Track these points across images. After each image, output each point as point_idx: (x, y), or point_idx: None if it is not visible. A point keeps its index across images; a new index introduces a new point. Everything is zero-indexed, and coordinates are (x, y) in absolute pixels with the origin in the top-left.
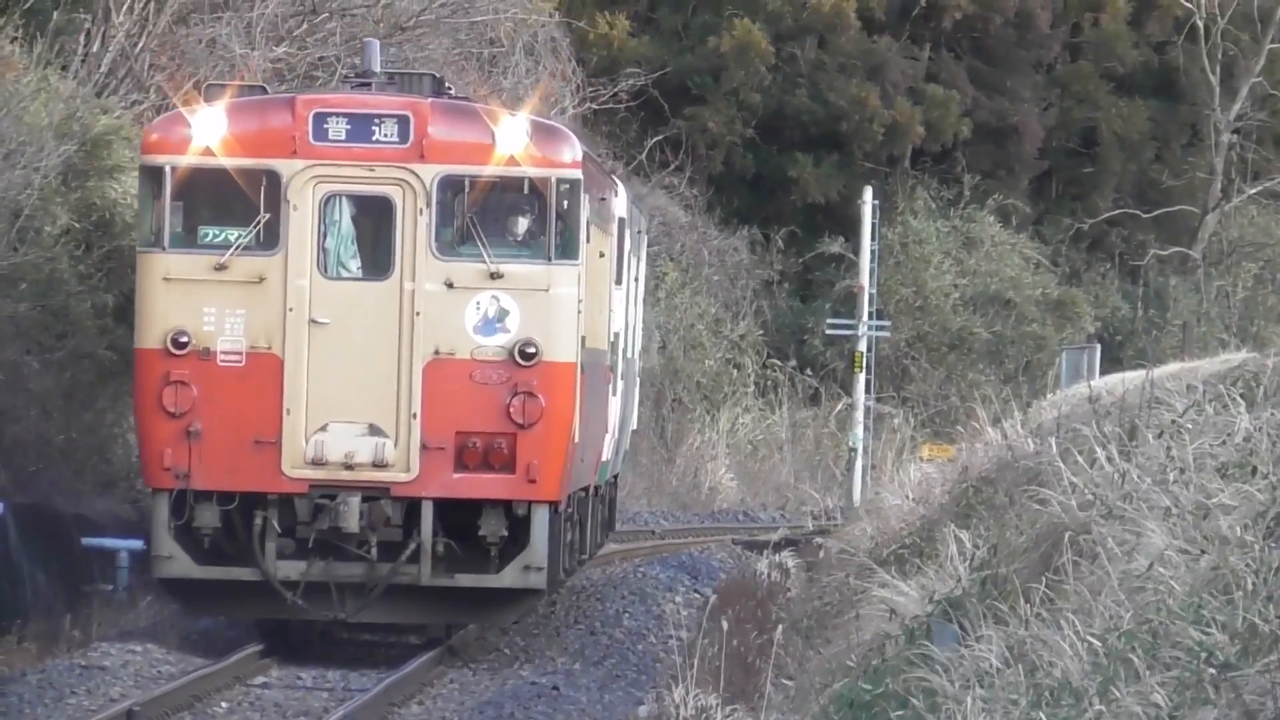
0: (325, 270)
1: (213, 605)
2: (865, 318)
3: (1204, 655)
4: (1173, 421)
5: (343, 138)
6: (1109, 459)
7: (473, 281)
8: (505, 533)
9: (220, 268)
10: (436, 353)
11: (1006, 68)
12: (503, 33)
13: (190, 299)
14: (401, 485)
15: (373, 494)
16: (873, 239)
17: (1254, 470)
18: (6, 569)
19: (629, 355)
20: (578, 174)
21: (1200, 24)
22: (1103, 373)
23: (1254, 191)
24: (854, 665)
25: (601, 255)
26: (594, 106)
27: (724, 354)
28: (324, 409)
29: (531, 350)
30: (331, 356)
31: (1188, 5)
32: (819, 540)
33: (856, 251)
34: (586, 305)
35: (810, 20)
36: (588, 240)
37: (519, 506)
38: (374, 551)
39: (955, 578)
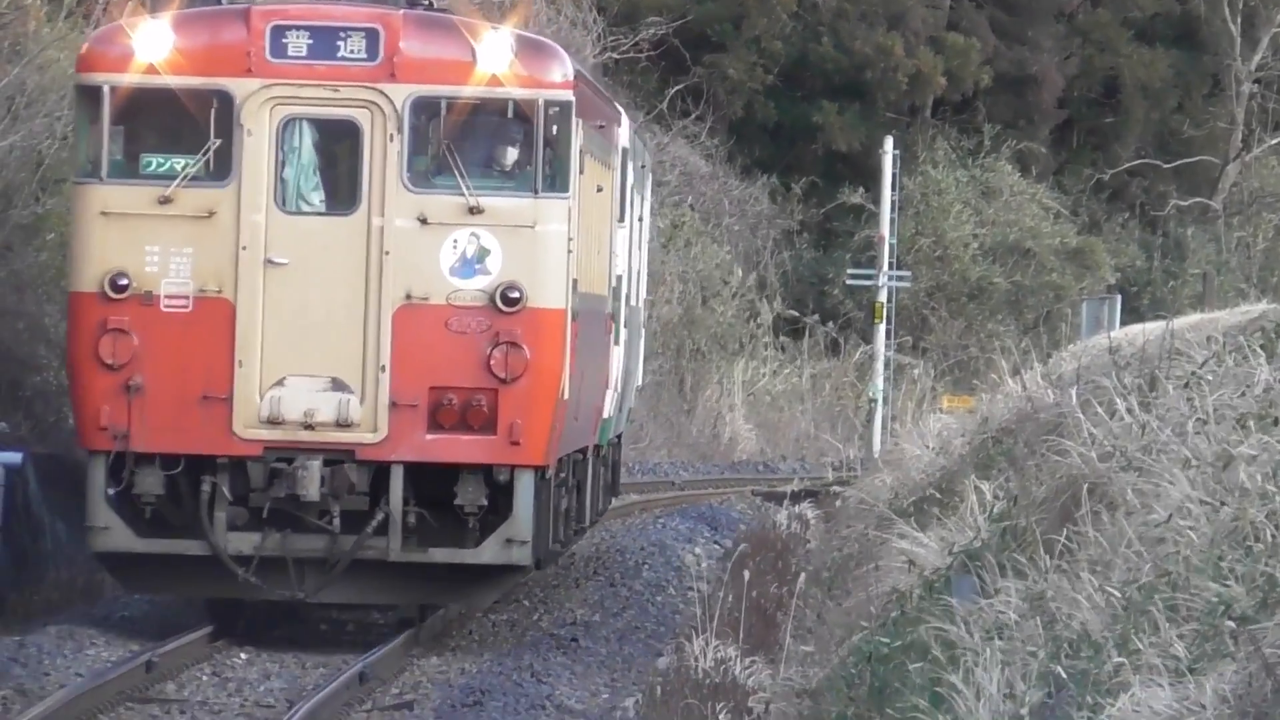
0: (283, 204)
1: (156, 582)
2: (885, 268)
3: (1223, 608)
4: (1193, 373)
5: (303, 54)
6: (1129, 410)
7: (449, 217)
8: (485, 502)
9: (165, 201)
10: (408, 297)
11: (1027, 16)
12: None
13: (131, 236)
14: (368, 448)
15: (336, 457)
16: (893, 189)
17: (1275, 421)
18: (26, 520)
19: (633, 302)
20: (569, 95)
21: None
22: (1122, 324)
23: (1275, 142)
24: (873, 617)
25: (600, 190)
26: (614, 56)
27: (740, 304)
28: (281, 361)
29: (515, 295)
30: (290, 301)
31: None
32: (838, 491)
33: (877, 202)
34: (580, 245)
35: None
36: (581, 172)
37: (500, 472)
38: (337, 523)
39: (974, 529)
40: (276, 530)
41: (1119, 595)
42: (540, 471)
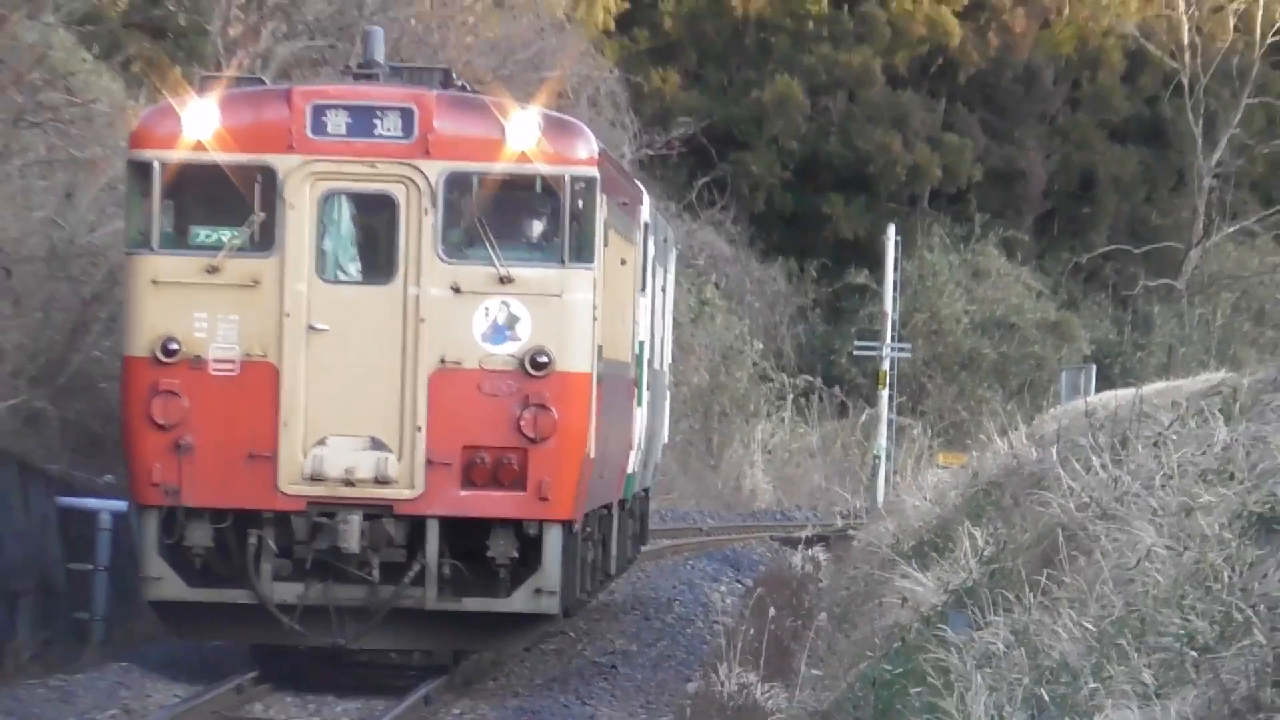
0: (324, 273)
1: (205, 629)
2: (888, 340)
3: (1186, 640)
4: (1159, 433)
5: (343, 132)
6: (1103, 466)
7: (481, 286)
8: (515, 554)
9: (212, 270)
10: (442, 362)
11: (1014, 118)
12: (569, 87)
13: (181, 303)
14: (405, 503)
15: (375, 512)
16: (895, 271)
17: (1231, 476)
18: (129, 560)
19: (656, 366)
20: (594, 171)
21: (1185, 81)
22: (1097, 390)
23: (1231, 230)
24: (877, 647)
25: (623, 262)
26: (649, 152)
27: (759, 372)
28: (323, 421)
29: (544, 359)
30: (331, 365)
31: (1174, 65)
32: (846, 536)
33: (880, 282)
34: (605, 313)
35: (841, 75)
36: (606, 244)
37: (530, 526)
38: (376, 573)
39: (967, 570)
40: (319, 580)
41: (1094, 629)
42: (567, 526)
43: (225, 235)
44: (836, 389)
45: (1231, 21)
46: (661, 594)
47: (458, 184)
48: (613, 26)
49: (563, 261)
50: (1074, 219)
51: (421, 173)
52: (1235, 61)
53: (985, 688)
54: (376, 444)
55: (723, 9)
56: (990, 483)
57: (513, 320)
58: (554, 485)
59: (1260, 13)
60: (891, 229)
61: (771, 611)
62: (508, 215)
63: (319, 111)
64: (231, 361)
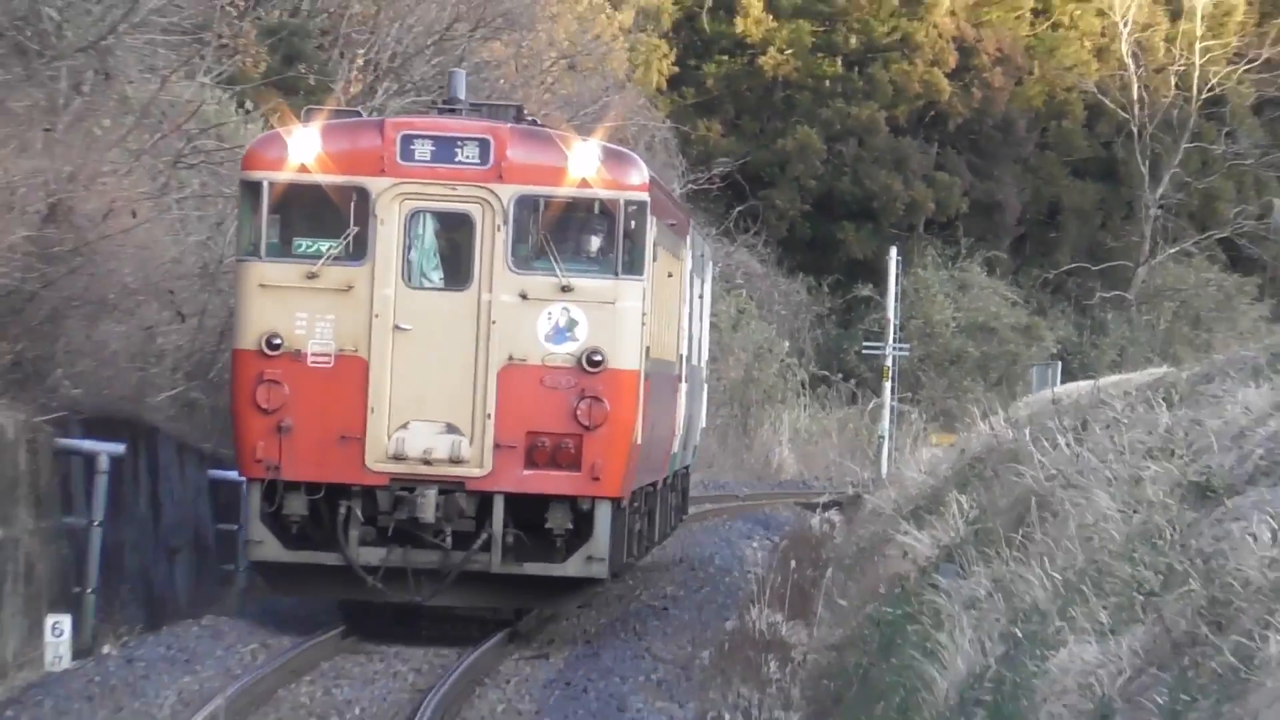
0: (409, 280)
1: (299, 586)
2: (890, 341)
3: (1135, 586)
4: (1113, 418)
5: (428, 158)
6: (1067, 444)
7: (545, 294)
8: (570, 526)
9: (312, 276)
10: (510, 359)
11: (993, 159)
12: (629, 134)
13: (284, 304)
14: (475, 480)
15: (449, 487)
16: (895, 285)
17: (1172, 453)
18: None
19: (694, 363)
20: (645, 196)
21: (1135, 129)
22: (1062, 382)
23: (1172, 251)
24: (881, 593)
25: (670, 276)
26: (693, 187)
27: (785, 368)
28: (405, 408)
29: (598, 358)
30: (413, 360)
31: (1125, 116)
32: (857, 502)
33: (883, 294)
34: (653, 319)
35: (852, 125)
36: (654, 259)
37: (583, 502)
38: (449, 540)
39: (955, 530)
40: (399, 546)
41: (1059, 578)
42: (616, 502)
43: (324, 246)
44: (849, 382)
45: (1173, 81)
46: (704, 550)
47: (526, 205)
48: (665, 85)
49: (616, 274)
50: (1043, 241)
51: (495, 195)
52: (1175, 114)
53: (970, 626)
54: (451, 429)
55: (755, 71)
56: (974, 458)
57: (572, 324)
58: (605, 467)
59: (1196, 74)
60: (893, 250)
61: (794, 563)
62: (569, 233)
63: (408, 140)
64: (327, 355)
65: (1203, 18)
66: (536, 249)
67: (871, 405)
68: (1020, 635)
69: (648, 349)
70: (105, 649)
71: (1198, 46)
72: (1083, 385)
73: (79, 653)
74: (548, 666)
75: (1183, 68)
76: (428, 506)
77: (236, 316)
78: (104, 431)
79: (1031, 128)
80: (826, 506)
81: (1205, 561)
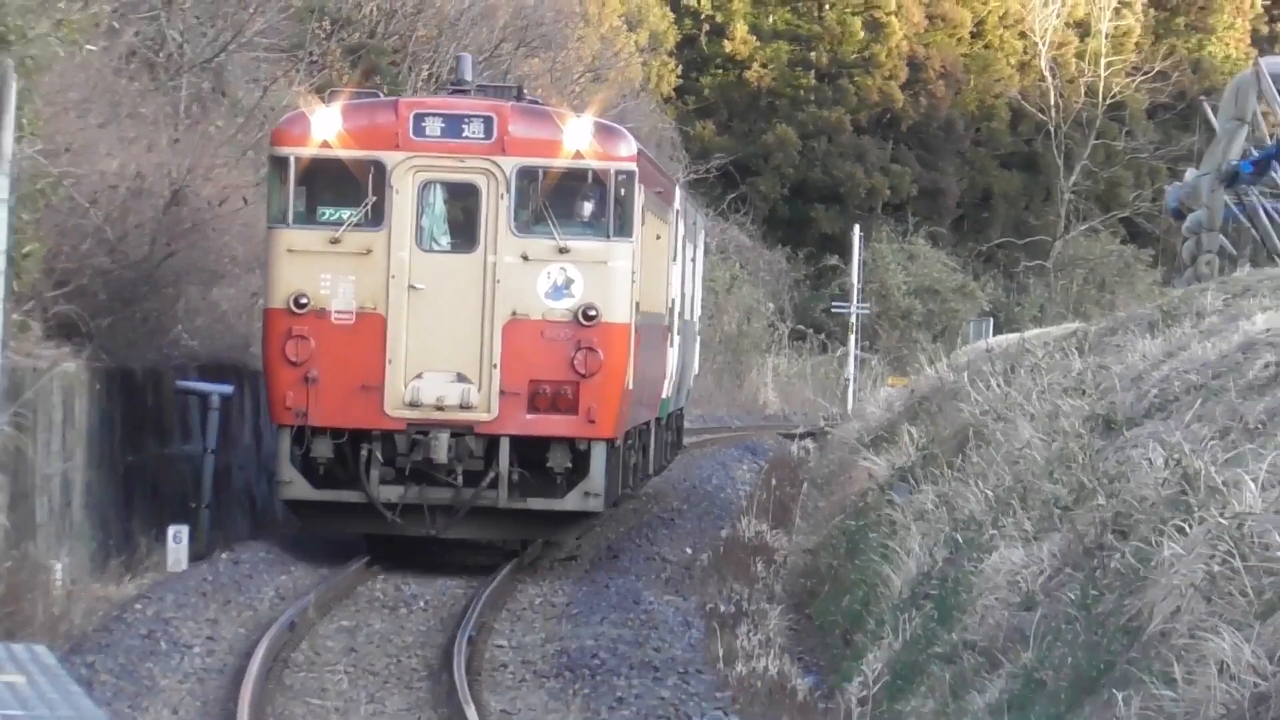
0: (421, 244)
1: (326, 522)
2: (854, 302)
3: (1053, 501)
4: (1035, 363)
5: (438, 134)
6: (998, 385)
7: (544, 255)
8: (569, 464)
9: (335, 241)
10: (513, 314)
11: (937, 154)
12: (643, 134)
13: (309, 267)
14: (484, 424)
15: (459, 431)
16: (858, 256)
17: (1083, 391)
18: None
19: (686, 317)
20: (633, 166)
21: (1051, 128)
22: (993, 335)
23: (1083, 228)
24: (847, 507)
25: (658, 238)
26: (694, 176)
27: (769, 323)
28: (419, 360)
29: (592, 313)
30: (426, 316)
31: (1043, 118)
32: (827, 433)
33: (847, 263)
34: (642, 277)
35: (823, 126)
36: (643, 223)
37: (581, 443)
38: (460, 479)
39: (907, 455)
40: (415, 484)
41: (992, 494)
42: (610, 443)
43: (345, 214)
44: (820, 335)
45: (1082, 89)
46: (704, 471)
47: (527, 175)
48: (672, 94)
49: (608, 236)
50: (977, 220)
51: (499, 166)
52: (1084, 116)
53: (919, 533)
54: (461, 378)
55: (743, 82)
56: (923, 397)
57: (569, 282)
58: (599, 411)
59: (1101, 84)
60: (856, 228)
61: (776, 482)
62: (566, 200)
63: (419, 118)
64: (349, 313)
65: (1106, 37)
66: (536, 214)
67: (839, 354)
68: (960, 541)
69: (638, 304)
70: (216, 553)
71: (1102, 61)
72: (1010, 337)
73: (195, 557)
74: (576, 567)
75: (1090, 79)
76: (441, 448)
77: (268, 278)
78: (216, 375)
79: (968, 128)
80: (803, 436)
81: (1110, 481)
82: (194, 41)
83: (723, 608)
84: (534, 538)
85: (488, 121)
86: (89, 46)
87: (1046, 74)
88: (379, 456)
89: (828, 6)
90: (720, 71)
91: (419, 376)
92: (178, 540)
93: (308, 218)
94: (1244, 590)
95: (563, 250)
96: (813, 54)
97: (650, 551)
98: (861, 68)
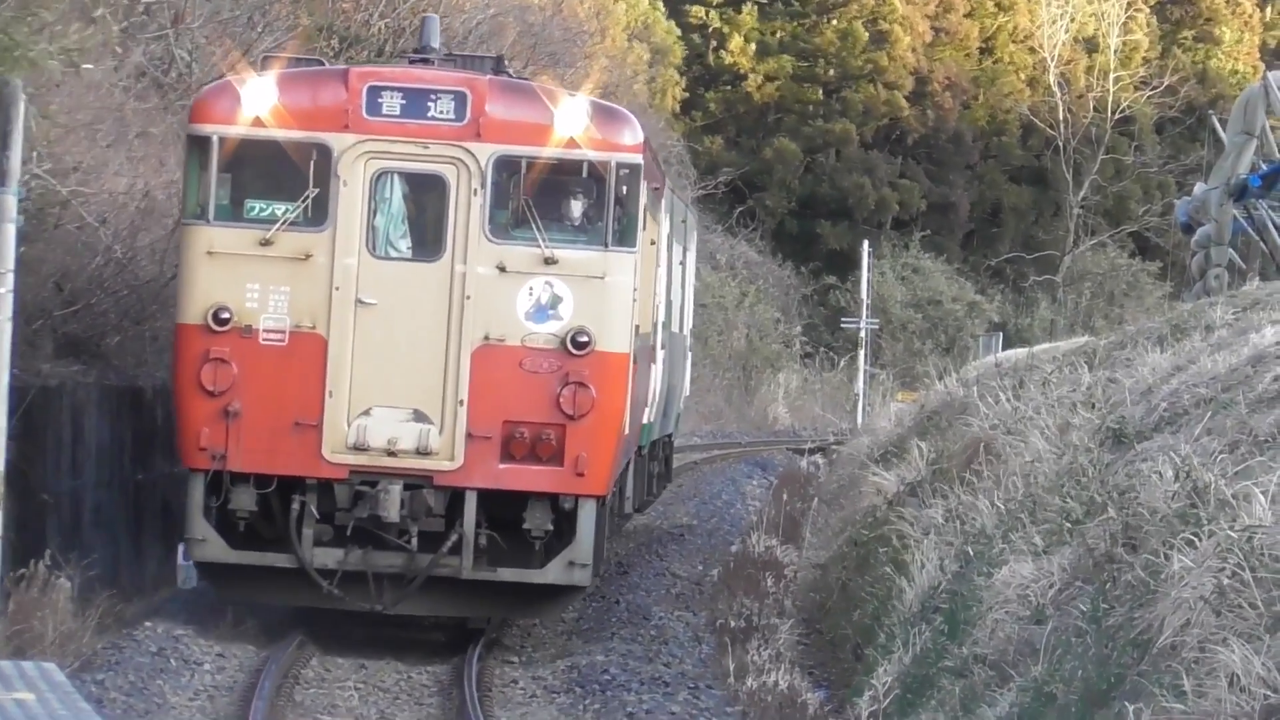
0: (374, 249)
1: (247, 590)
2: (863, 317)
3: (1064, 515)
4: (1044, 377)
5: (397, 113)
6: (1007, 399)
7: (526, 266)
8: (550, 526)
9: (266, 243)
10: (486, 338)
11: (946, 168)
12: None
13: (234, 274)
14: (445, 474)
15: (415, 482)
16: (868, 272)
17: (1092, 405)
18: None
19: (674, 329)
20: (639, 158)
21: (1060, 143)
22: (1003, 349)
23: (1092, 243)
24: (857, 521)
25: (652, 243)
26: (703, 191)
27: (780, 338)
28: (368, 392)
29: (584, 339)
30: (377, 338)
31: (1053, 132)
32: (837, 448)
33: (846, 280)
34: (639, 293)
35: (830, 140)
36: (644, 228)
37: (566, 500)
38: (414, 542)
39: (917, 469)
40: (359, 547)
41: (1002, 508)
42: (600, 500)
43: (279, 210)
44: (828, 350)
45: (1091, 104)
46: (714, 487)
47: (506, 166)
48: (679, 109)
49: (605, 245)
50: (986, 235)
51: (472, 155)
52: (1093, 131)
53: (930, 547)
54: (419, 416)
55: (749, 98)
56: (932, 411)
57: (555, 300)
58: (590, 461)
59: (1110, 99)
60: (865, 244)
61: (786, 497)
62: (554, 198)
63: (375, 92)
64: (281, 332)
65: (1114, 53)
66: (517, 216)
67: (844, 367)
68: (970, 554)
69: (637, 327)
70: None
71: (1111, 76)
72: (1020, 352)
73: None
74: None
75: (1099, 94)
76: (391, 503)
77: (180, 287)
78: None
79: (976, 141)
80: (813, 451)
81: (1120, 494)
82: (202, 61)
83: (733, 623)
84: (504, 616)
85: (459, 99)
86: (86, 65)
87: (1055, 89)
88: (314, 511)
89: (832, 19)
90: (727, 87)
91: (366, 413)
92: (186, 558)
93: (233, 213)
94: (1254, 603)
95: (549, 261)
96: (818, 68)
97: (660, 568)
98: (867, 78)
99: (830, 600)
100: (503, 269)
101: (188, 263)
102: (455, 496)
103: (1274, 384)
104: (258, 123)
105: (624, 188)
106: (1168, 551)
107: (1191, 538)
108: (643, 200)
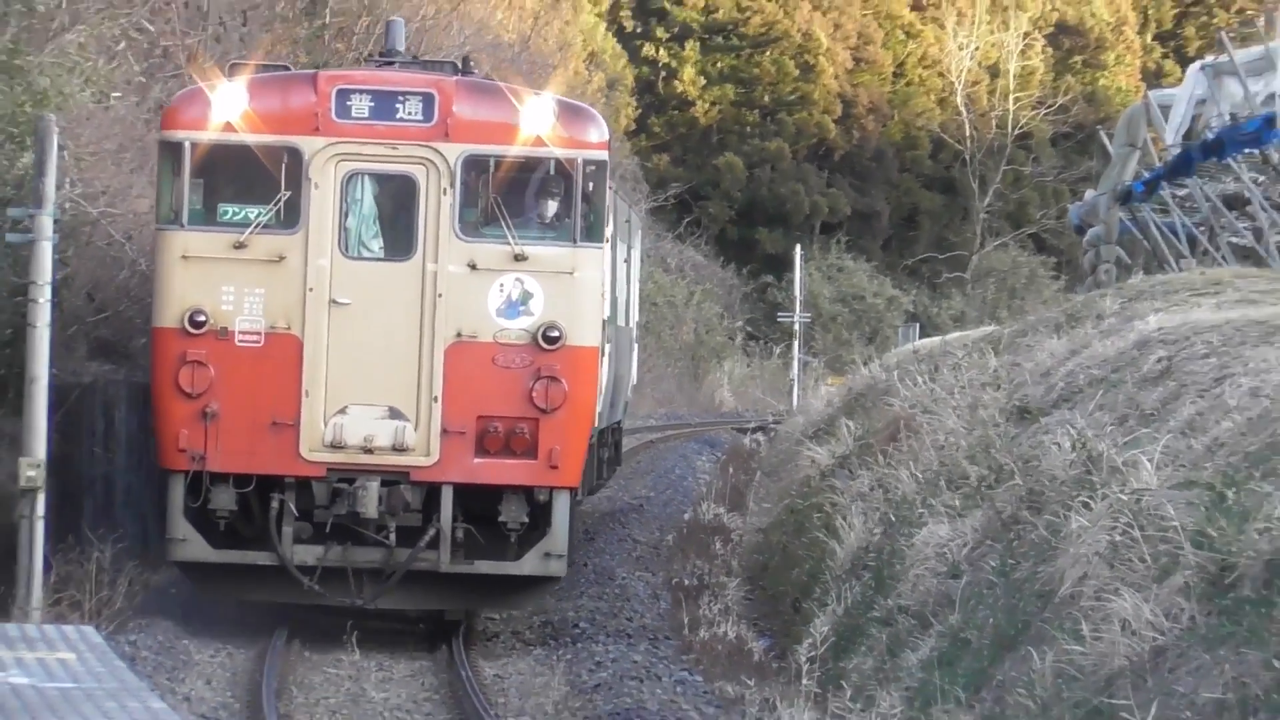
0: (346, 250)
1: (228, 588)
2: (797, 312)
3: (976, 482)
4: (956, 362)
5: (366, 115)
6: (924, 381)
7: (496, 263)
8: (526, 519)
9: (239, 246)
10: (459, 335)
11: (868, 179)
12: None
13: (208, 277)
14: (421, 470)
15: (392, 478)
16: (801, 272)
17: (998, 385)
18: None
19: (620, 324)
20: (605, 155)
21: (967, 156)
22: (919, 338)
23: (996, 244)
24: (794, 490)
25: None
26: (654, 204)
27: (725, 332)
28: (343, 391)
29: (555, 334)
30: (352, 338)
31: (960, 147)
32: (775, 426)
33: (781, 281)
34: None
35: (767, 156)
36: (610, 223)
37: (540, 493)
38: (393, 537)
39: (846, 444)
40: (338, 543)
41: (920, 476)
42: (573, 491)
43: (252, 213)
44: (769, 341)
45: (994, 122)
46: (668, 463)
47: (475, 166)
48: (633, 128)
49: (574, 241)
50: (903, 238)
51: (441, 155)
52: (996, 145)
53: (858, 512)
54: (395, 413)
55: (694, 120)
56: (858, 393)
57: (526, 296)
58: (564, 454)
59: (1010, 117)
60: (798, 247)
61: (731, 471)
62: (522, 196)
63: (343, 95)
64: (257, 333)
65: (1013, 77)
66: (486, 214)
67: (785, 357)
68: (893, 518)
69: (604, 322)
70: None
71: (1010, 97)
72: (934, 340)
73: None
74: None
75: (1000, 113)
76: (369, 500)
77: (156, 291)
78: None
79: (894, 156)
80: (754, 430)
81: (1024, 463)
82: None
83: (687, 581)
84: (482, 608)
85: (427, 100)
86: (115, 94)
87: (962, 109)
88: (293, 509)
89: (766, 52)
90: (675, 112)
91: (342, 411)
92: None
93: (207, 217)
94: (1142, 557)
95: (519, 258)
96: (755, 94)
97: (622, 534)
98: (798, 105)
99: (771, 560)
100: (473, 267)
101: (163, 267)
102: (432, 491)
103: (1158, 365)
104: (229, 128)
105: (591, 184)
106: (1066, 513)
107: (1087, 500)
108: (609, 197)
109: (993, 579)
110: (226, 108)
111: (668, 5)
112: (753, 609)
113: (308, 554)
